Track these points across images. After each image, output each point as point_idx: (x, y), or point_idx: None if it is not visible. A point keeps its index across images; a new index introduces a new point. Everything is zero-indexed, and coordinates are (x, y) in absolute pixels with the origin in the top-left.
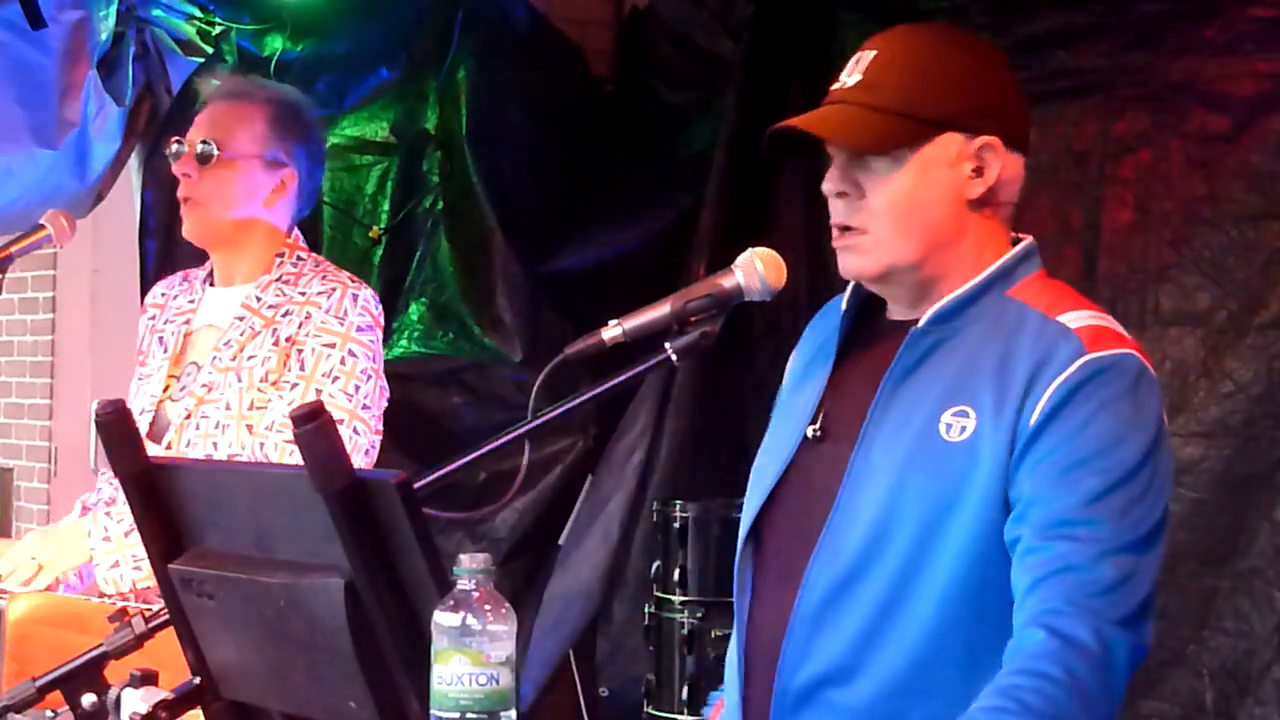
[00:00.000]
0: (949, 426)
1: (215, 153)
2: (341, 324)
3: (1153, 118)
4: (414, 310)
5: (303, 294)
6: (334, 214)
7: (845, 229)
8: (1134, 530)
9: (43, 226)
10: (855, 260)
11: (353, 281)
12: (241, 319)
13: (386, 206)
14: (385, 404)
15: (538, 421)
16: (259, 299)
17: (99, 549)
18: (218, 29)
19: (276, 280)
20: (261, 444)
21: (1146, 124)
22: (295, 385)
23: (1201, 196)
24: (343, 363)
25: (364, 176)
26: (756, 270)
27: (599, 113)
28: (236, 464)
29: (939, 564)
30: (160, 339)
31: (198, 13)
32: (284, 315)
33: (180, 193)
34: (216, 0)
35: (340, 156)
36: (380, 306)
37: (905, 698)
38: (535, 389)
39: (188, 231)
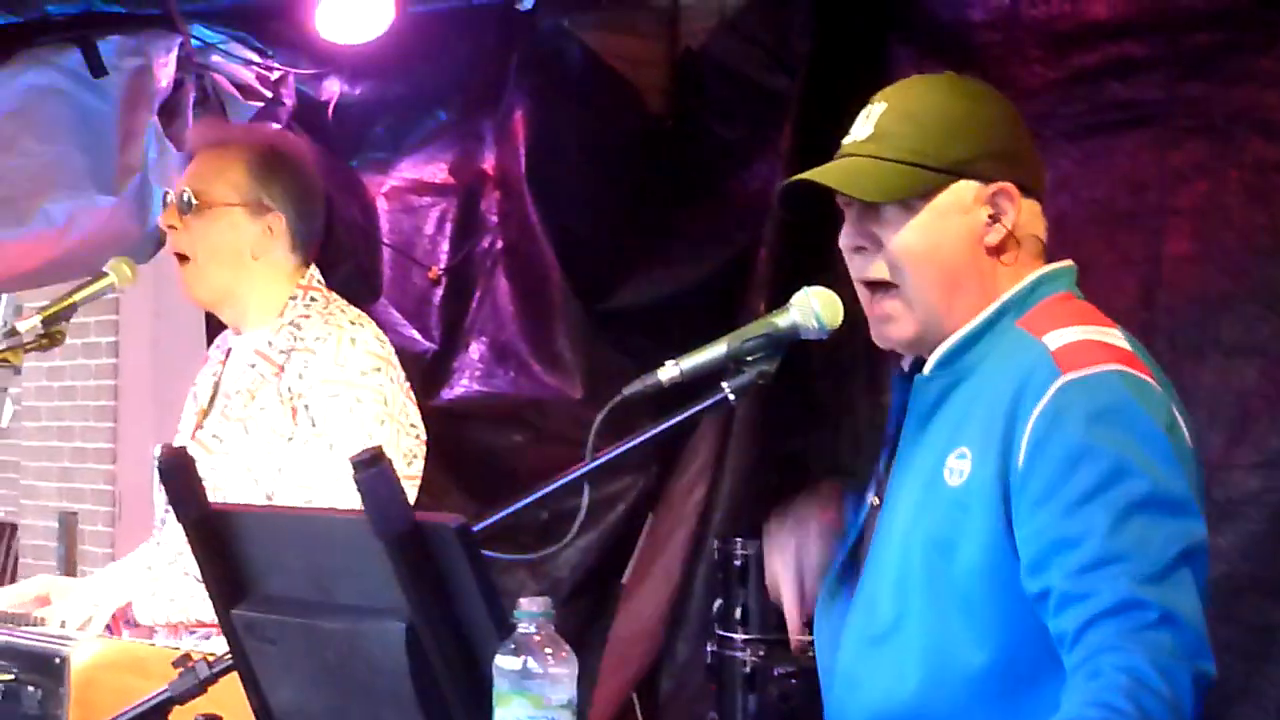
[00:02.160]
0: (951, 471)
1: (194, 203)
2: (343, 371)
3: (1210, 148)
4: (474, 349)
5: (303, 340)
6: (393, 255)
7: (872, 285)
8: (1164, 553)
9: (106, 274)
10: (890, 330)
11: (353, 324)
12: (253, 366)
13: (446, 247)
14: (418, 441)
15: (597, 463)
16: (270, 343)
17: (140, 578)
18: (276, 74)
19: (288, 324)
20: (270, 502)
21: (1204, 155)
22: (307, 442)
23: (1261, 226)
24: (351, 412)
25: (422, 217)
26: (812, 309)
27: (656, 151)
28: (297, 509)
29: (953, 612)
30: (195, 394)
31: (256, 58)
32: (290, 363)
33: (168, 246)
34: (275, 45)
35: (398, 198)
36: (385, 344)
37: None
38: (593, 430)
39: (186, 293)
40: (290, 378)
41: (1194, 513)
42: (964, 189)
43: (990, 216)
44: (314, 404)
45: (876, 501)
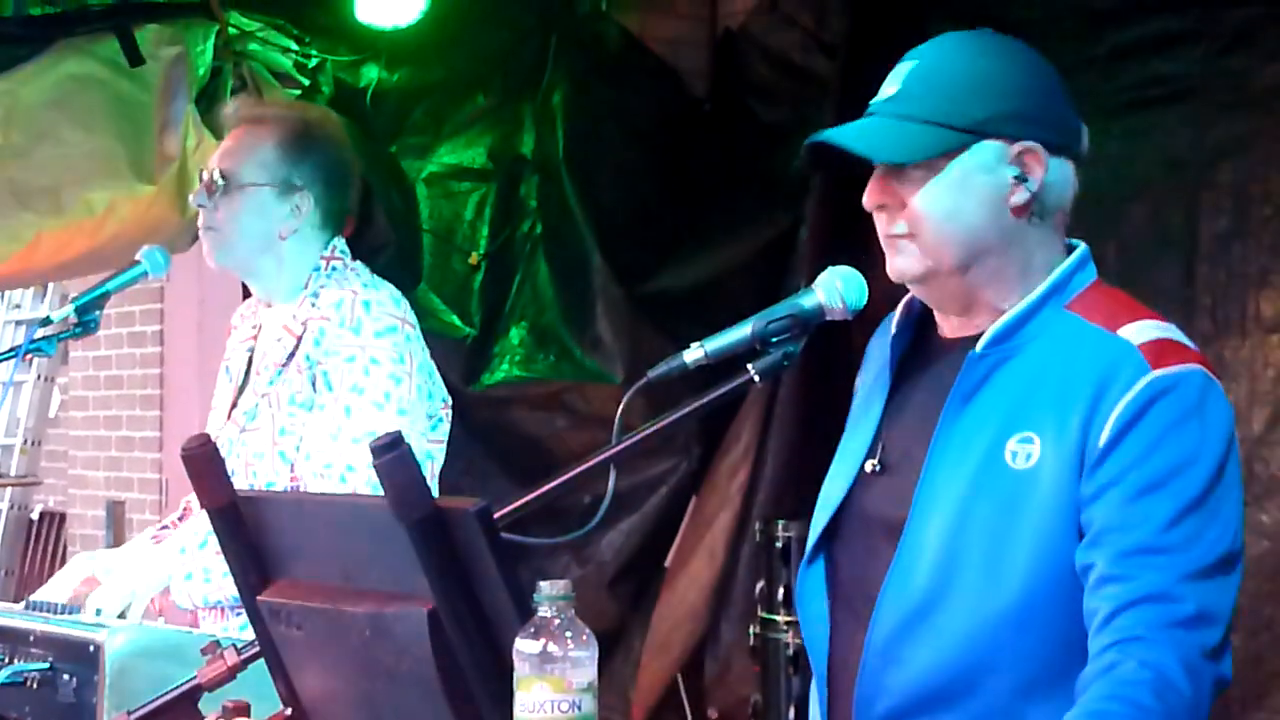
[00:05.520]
0: (1014, 454)
1: (222, 182)
2: (357, 333)
3: (1248, 123)
4: (515, 334)
5: (319, 308)
6: (433, 241)
7: (891, 236)
8: (1211, 553)
9: (138, 262)
10: (899, 261)
11: (366, 286)
12: (279, 340)
13: (485, 232)
14: (444, 406)
15: (619, 446)
16: (294, 316)
17: (175, 562)
18: (314, 61)
19: (309, 295)
20: (294, 473)
21: (1242, 129)
22: (323, 407)
23: None
24: (366, 373)
25: (462, 203)
26: (837, 290)
27: (695, 133)
28: (320, 495)
29: (1010, 593)
30: (227, 368)
31: (294, 45)
32: (306, 332)
33: (199, 222)
34: (313, 32)
35: (438, 184)
36: (403, 304)
37: None
38: (619, 414)
39: (208, 257)
40: (307, 346)
41: (1240, 522)
42: (988, 149)
43: (1016, 177)
44: (331, 369)
45: (873, 467)
